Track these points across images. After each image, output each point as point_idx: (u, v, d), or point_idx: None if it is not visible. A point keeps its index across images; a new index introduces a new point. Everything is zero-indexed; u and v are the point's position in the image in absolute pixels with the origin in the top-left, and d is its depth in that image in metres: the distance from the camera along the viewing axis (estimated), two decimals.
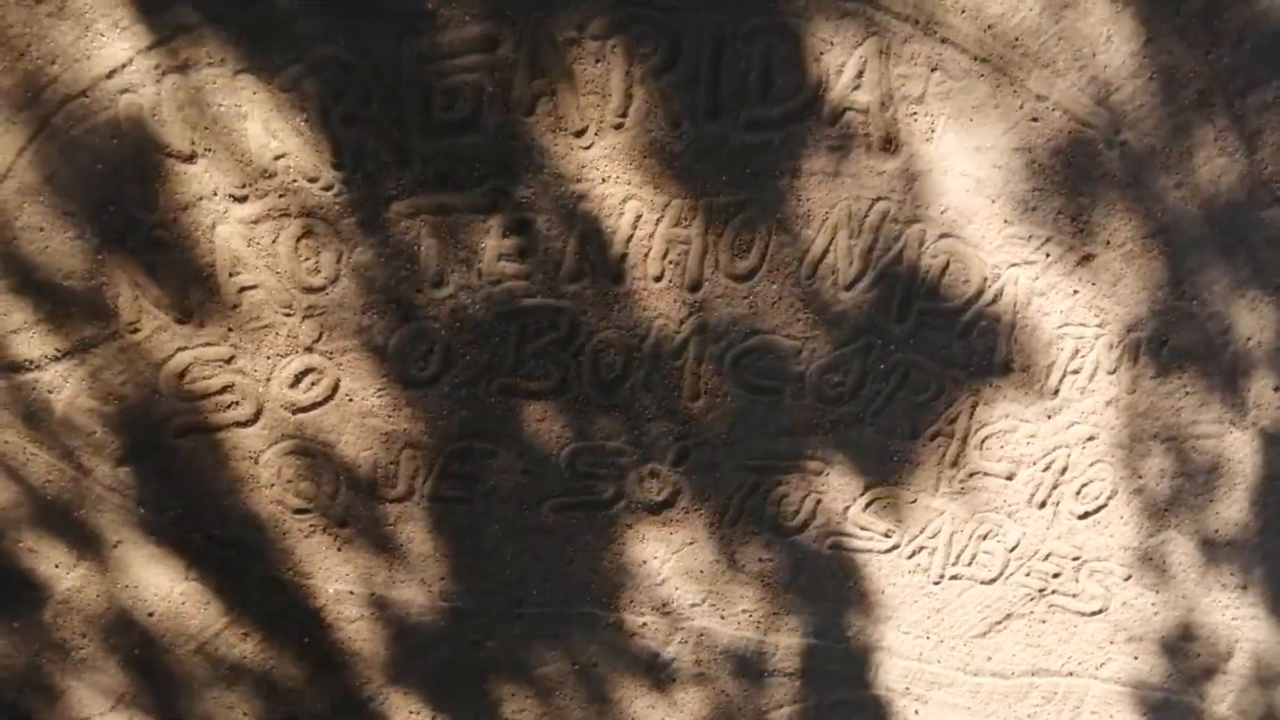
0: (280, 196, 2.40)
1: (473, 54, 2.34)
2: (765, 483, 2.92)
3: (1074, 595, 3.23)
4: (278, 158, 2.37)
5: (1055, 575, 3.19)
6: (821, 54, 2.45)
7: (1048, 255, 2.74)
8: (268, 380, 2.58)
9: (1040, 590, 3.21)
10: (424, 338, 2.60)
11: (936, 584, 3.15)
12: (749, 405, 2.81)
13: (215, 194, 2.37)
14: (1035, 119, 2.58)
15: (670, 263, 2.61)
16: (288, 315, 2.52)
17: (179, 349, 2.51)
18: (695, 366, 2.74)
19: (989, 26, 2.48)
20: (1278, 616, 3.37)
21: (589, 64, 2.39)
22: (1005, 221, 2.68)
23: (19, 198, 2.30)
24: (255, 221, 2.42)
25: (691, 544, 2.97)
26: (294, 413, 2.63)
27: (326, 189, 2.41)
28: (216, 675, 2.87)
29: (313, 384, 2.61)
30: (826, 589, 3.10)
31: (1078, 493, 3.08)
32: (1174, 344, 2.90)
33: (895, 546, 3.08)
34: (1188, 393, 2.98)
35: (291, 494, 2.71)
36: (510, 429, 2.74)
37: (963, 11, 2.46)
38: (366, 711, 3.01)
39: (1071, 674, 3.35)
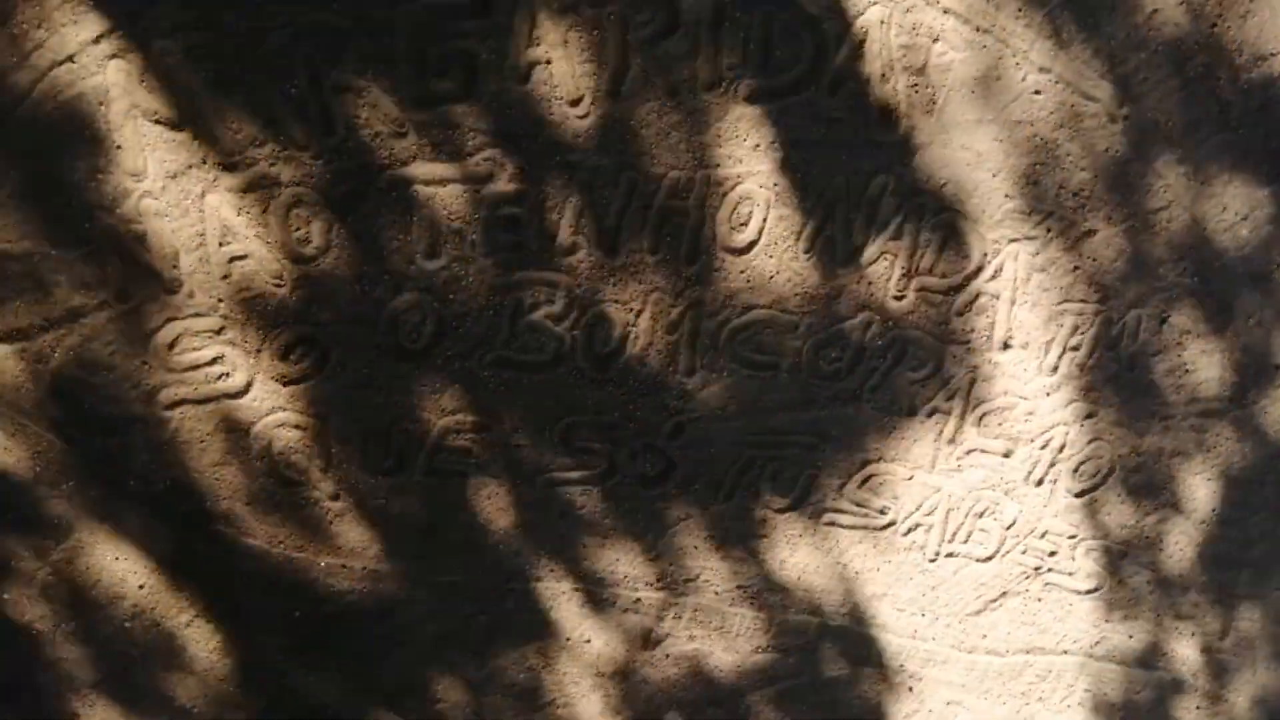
0: (271, 165, 2.37)
1: (468, 20, 2.31)
2: (760, 458, 2.91)
3: (1070, 573, 3.23)
4: (268, 125, 2.33)
5: (1051, 553, 3.19)
6: (822, 24, 2.41)
7: (1048, 230, 2.72)
8: (258, 352, 2.56)
9: (1036, 568, 3.21)
10: (416, 310, 2.57)
11: (932, 561, 3.15)
12: (745, 380, 2.79)
13: (204, 162, 2.34)
14: (1038, 92, 2.55)
15: (666, 235, 2.59)
16: (279, 286, 2.50)
17: (169, 319, 2.48)
18: (690, 341, 2.72)
19: None
20: (1273, 596, 3.38)
21: (585, 31, 2.35)
22: (1006, 196, 2.66)
23: (5, 165, 2.26)
24: (245, 190, 2.38)
25: (686, 519, 2.96)
26: (285, 384, 2.61)
27: (317, 157, 2.38)
28: (207, 648, 2.86)
29: (304, 355, 2.58)
30: (821, 566, 3.10)
31: (1075, 470, 3.07)
32: (1174, 321, 2.89)
33: (891, 523, 3.07)
34: (1187, 371, 2.97)
35: (282, 467, 2.69)
36: (504, 402, 2.72)
37: None
38: (357, 686, 3.00)
39: (1066, 652, 3.36)
